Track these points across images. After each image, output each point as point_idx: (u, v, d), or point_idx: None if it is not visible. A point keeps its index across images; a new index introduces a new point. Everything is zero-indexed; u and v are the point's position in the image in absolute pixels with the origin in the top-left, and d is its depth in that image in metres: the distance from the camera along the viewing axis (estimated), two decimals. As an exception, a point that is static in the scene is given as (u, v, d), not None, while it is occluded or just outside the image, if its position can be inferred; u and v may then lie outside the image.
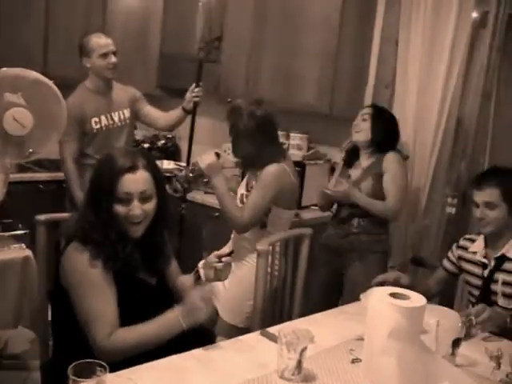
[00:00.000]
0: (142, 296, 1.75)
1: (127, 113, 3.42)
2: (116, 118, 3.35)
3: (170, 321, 1.66)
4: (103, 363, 1.29)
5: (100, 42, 3.24)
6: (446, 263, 2.47)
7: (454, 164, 3.29)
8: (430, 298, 2.38)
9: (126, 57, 4.22)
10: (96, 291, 1.65)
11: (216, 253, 1.92)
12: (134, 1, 4.30)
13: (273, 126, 2.58)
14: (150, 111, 3.56)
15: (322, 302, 2.83)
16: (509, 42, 3.09)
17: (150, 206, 1.75)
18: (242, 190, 2.64)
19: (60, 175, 3.49)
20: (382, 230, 2.91)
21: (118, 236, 1.71)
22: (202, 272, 1.90)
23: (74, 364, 1.26)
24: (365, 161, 2.92)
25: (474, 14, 3.12)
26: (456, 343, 1.75)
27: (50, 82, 2.63)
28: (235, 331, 2.41)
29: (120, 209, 1.70)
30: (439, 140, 3.15)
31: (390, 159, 2.83)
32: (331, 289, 2.98)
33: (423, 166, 3.15)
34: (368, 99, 3.47)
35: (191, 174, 2.48)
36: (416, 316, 1.53)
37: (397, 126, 2.93)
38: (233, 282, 2.55)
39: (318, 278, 2.98)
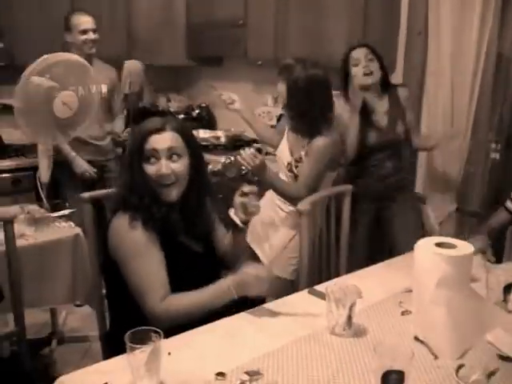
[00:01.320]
0: (188, 261, 1.77)
1: (104, 88, 3.61)
2: (93, 90, 3.42)
3: (221, 289, 1.68)
4: (158, 330, 1.33)
5: (81, 18, 3.47)
6: (509, 204, 2.35)
7: (496, 108, 3.19)
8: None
9: (154, 31, 4.24)
10: (142, 253, 1.68)
11: (238, 192, 1.83)
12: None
13: (330, 89, 2.58)
14: (115, 104, 3.77)
15: (367, 252, 2.86)
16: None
17: (180, 164, 1.75)
18: (287, 158, 2.62)
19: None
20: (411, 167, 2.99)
21: (152, 199, 1.74)
22: (235, 218, 1.85)
23: (130, 332, 1.31)
24: (380, 104, 2.86)
25: None
26: (507, 289, 1.73)
27: (83, 61, 2.70)
28: (283, 283, 2.49)
29: (149, 168, 1.73)
30: (478, 83, 3.05)
31: (405, 95, 2.89)
32: (374, 237, 2.98)
33: (463, 111, 3.07)
34: (401, 48, 3.37)
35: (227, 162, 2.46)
36: (464, 264, 1.51)
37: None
38: (276, 241, 2.58)
39: (360, 229, 2.95)
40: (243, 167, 2.35)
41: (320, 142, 2.48)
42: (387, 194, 2.91)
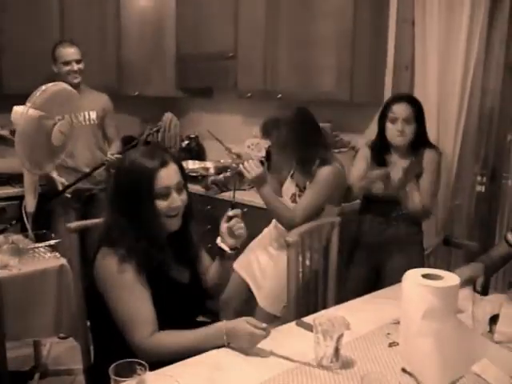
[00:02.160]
0: (175, 293, 1.76)
1: (93, 114, 3.72)
2: (81, 118, 3.66)
3: (214, 333, 1.67)
4: (143, 362, 1.31)
5: (63, 51, 3.60)
6: (510, 237, 2.28)
7: (481, 142, 3.24)
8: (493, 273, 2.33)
9: (143, 61, 4.29)
10: (131, 293, 1.67)
11: (223, 219, 1.87)
12: (146, 4, 4.34)
13: (315, 122, 2.63)
14: (109, 130, 3.80)
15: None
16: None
17: (185, 195, 1.80)
18: (292, 190, 2.65)
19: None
20: (418, 220, 2.84)
21: (153, 236, 1.74)
22: (222, 245, 1.87)
23: (114, 364, 1.29)
24: (401, 160, 2.78)
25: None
26: (493, 320, 1.73)
27: (70, 89, 2.76)
28: (272, 320, 2.45)
29: (162, 204, 1.73)
30: (464, 117, 3.10)
31: (433, 158, 2.75)
32: (368, 285, 2.91)
33: (449, 145, 3.10)
34: (388, 82, 3.43)
35: (228, 175, 2.50)
36: (450, 295, 1.51)
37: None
38: (272, 272, 2.58)
39: (355, 275, 2.92)
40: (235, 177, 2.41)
41: (325, 170, 2.53)
42: (389, 243, 2.82)
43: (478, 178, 3.31)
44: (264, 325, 1.66)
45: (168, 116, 3.77)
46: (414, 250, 2.83)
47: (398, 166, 2.76)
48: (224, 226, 1.85)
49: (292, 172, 2.75)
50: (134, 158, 1.77)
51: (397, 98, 2.80)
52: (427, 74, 3.16)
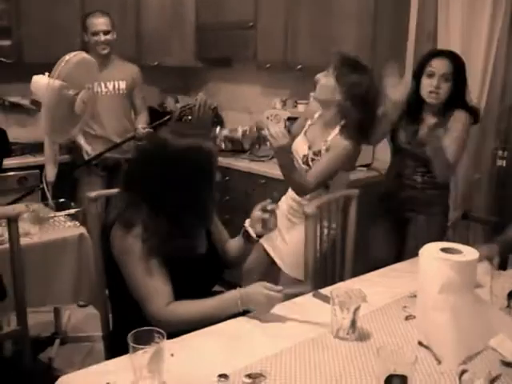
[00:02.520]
0: (194, 264, 1.77)
1: (122, 84, 3.75)
2: (110, 87, 3.71)
3: (228, 301, 1.68)
4: (161, 331, 1.33)
5: (93, 21, 3.61)
6: None
7: (503, 115, 3.18)
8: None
9: (163, 32, 4.25)
10: (146, 266, 1.67)
11: (258, 206, 1.88)
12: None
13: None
14: (137, 102, 3.86)
15: (383, 256, 2.78)
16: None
17: None
18: (303, 151, 2.60)
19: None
20: (444, 185, 2.80)
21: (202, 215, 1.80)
22: (250, 230, 1.89)
23: (133, 332, 1.31)
24: (434, 118, 2.69)
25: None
26: (511, 295, 1.72)
27: (90, 58, 2.78)
28: (295, 283, 2.49)
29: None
30: (486, 90, 3.04)
31: (460, 118, 2.65)
32: (393, 244, 2.89)
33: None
34: (410, 53, 3.37)
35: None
36: (468, 270, 1.50)
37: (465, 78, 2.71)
38: (292, 237, 2.58)
39: (379, 234, 2.93)
40: (268, 143, 2.36)
41: (346, 145, 2.47)
42: (414, 204, 2.79)
43: (499, 153, 3.26)
44: (279, 287, 1.67)
45: (202, 97, 3.75)
46: (438, 215, 2.81)
47: (427, 122, 2.69)
48: (258, 214, 1.86)
49: (306, 128, 2.69)
50: (187, 142, 1.75)
51: (438, 53, 2.71)
52: (450, 44, 3.09)
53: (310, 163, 2.55)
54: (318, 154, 2.54)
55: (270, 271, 2.75)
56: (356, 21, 3.25)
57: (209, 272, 1.81)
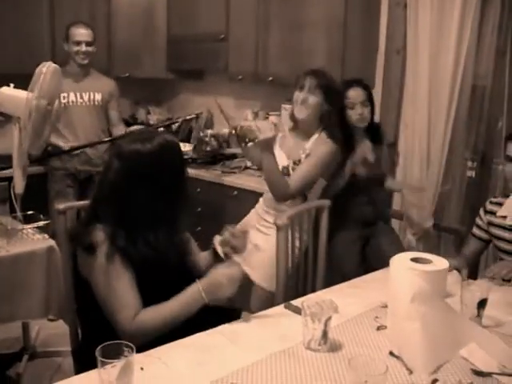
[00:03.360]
0: (165, 275, 1.75)
1: (98, 96, 3.77)
2: (86, 97, 3.73)
3: (191, 295, 1.67)
4: (130, 344, 1.31)
5: (77, 31, 3.64)
6: (476, 231, 2.42)
7: (472, 126, 3.24)
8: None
9: (134, 43, 4.24)
10: (113, 276, 1.65)
11: (229, 229, 1.92)
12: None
13: None
14: (112, 114, 3.86)
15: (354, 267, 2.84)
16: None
17: None
18: (283, 162, 2.63)
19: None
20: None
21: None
22: (218, 249, 1.92)
23: (101, 346, 1.28)
24: (365, 140, 2.89)
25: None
26: (481, 305, 1.74)
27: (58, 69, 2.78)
28: (269, 297, 2.49)
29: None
30: (455, 102, 3.09)
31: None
32: (360, 259, 2.96)
33: (440, 130, 3.10)
34: (380, 66, 3.42)
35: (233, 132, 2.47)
36: (438, 279, 1.52)
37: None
38: (264, 248, 2.57)
39: (349, 245, 2.95)
40: (251, 138, 2.39)
41: (329, 147, 2.56)
42: (373, 219, 2.96)
43: (469, 164, 3.32)
44: (236, 266, 1.72)
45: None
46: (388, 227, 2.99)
47: (363, 147, 2.86)
48: (227, 237, 1.91)
49: (279, 141, 2.72)
50: (158, 140, 1.74)
51: (348, 84, 2.87)
52: (419, 58, 3.14)
53: (291, 172, 2.57)
54: (297, 162, 2.57)
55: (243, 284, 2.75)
56: (326, 34, 3.29)
57: (181, 284, 1.79)
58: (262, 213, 2.71)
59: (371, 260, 2.91)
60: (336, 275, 2.70)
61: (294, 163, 2.60)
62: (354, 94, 2.81)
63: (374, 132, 2.92)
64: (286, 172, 2.60)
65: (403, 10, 3.23)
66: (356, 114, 2.81)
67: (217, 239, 1.93)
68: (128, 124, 4.27)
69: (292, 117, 2.71)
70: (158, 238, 1.75)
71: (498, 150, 3.16)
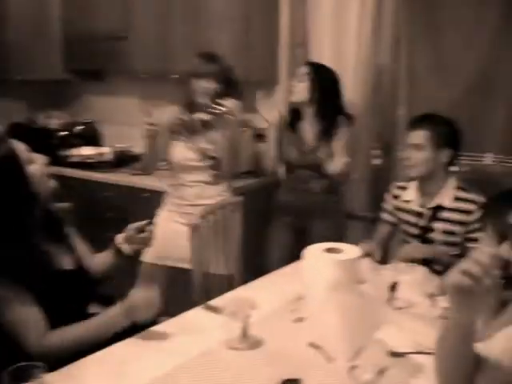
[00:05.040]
0: (63, 283, 1.66)
1: None
2: None
3: (110, 318, 1.62)
4: (40, 364, 1.23)
5: None
6: (385, 216, 2.49)
7: (375, 116, 3.34)
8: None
9: (26, 43, 3.99)
10: (11, 300, 1.54)
11: (134, 225, 1.87)
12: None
13: None
14: None
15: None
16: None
17: None
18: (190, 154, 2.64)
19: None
20: (339, 189, 2.96)
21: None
22: (123, 247, 1.86)
23: (8, 370, 1.20)
24: (313, 124, 2.86)
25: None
26: (393, 288, 1.80)
27: None
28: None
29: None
30: (359, 92, 3.18)
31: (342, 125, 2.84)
32: (295, 249, 2.96)
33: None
34: (283, 60, 3.45)
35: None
36: (351, 267, 1.55)
37: (336, 82, 2.87)
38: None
39: (281, 240, 2.96)
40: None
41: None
42: (309, 210, 2.90)
43: (375, 152, 3.42)
44: (156, 292, 1.65)
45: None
46: (337, 218, 2.95)
47: (308, 131, 2.85)
48: (133, 232, 1.85)
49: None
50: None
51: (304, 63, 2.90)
52: (321, 50, 3.20)
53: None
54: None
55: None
56: (228, 27, 3.26)
57: (80, 288, 1.72)
58: (182, 208, 2.65)
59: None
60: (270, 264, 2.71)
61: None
62: (299, 70, 2.86)
63: (329, 118, 2.85)
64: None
65: (304, 2, 3.28)
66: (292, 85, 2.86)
67: (119, 238, 1.87)
68: (25, 128, 4.03)
69: (189, 105, 2.71)
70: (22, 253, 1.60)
71: (400, 137, 3.28)
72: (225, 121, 2.42)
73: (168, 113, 2.68)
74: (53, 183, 1.74)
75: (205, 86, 2.59)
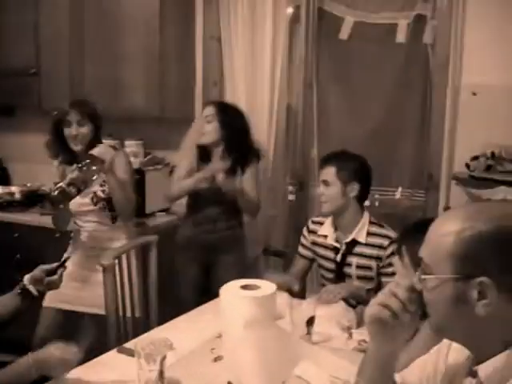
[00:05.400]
0: None
1: None
2: None
3: (19, 370, 1.52)
4: None
5: None
6: (302, 250, 2.52)
7: (289, 154, 3.43)
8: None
9: None
10: None
11: (43, 267, 1.83)
12: None
13: None
14: None
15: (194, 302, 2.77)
16: (322, 35, 3.28)
17: None
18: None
19: None
20: (241, 223, 2.98)
21: None
22: (31, 288, 1.78)
23: None
24: (220, 162, 2.85)
25: (289, 10, 3.26)
26: (310, 322, 1.81)
27: None
28: None
29: None
30: (273, 133, 3.25)
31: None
32: (202, 287, 2.92)
33: (263, 159, 3.21)
34: (198, 98, 3.48)
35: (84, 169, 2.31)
36: (268, 303, 1.55)
37: (243, 119, 2.91)
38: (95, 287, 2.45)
39: (186, 279, 2.92)
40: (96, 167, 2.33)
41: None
42: (219, 245, 2.89)
43: (290, 188, 3.49)
44: (75, 349, 1.57)
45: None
46: (240, 251, 2.96)
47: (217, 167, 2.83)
48: (41, 275, 1.80)
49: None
50: None
51: (206, 103, 2.99)
52: (236, 89, 3.27)
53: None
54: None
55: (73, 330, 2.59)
56: (142, 66, 3.27)
57: None
58: (89, 251, 2.58)
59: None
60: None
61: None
62: (204, 110, 2.90)
63: (238, 155, 2.86)
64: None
65: (218, 43, 3.34)
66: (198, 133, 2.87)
67: (27, 279, 1.79)
68: None
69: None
70: None
71: (313, 174, 3.38)
72: (98, 169, 2.37)
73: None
74: None
75: (76, 133, 2.59)
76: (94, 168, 2.33)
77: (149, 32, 3.23)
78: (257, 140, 3.03)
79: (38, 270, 1.81)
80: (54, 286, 1.83)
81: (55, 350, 1.55)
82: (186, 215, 3.00)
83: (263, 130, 3.22)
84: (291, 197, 3.52)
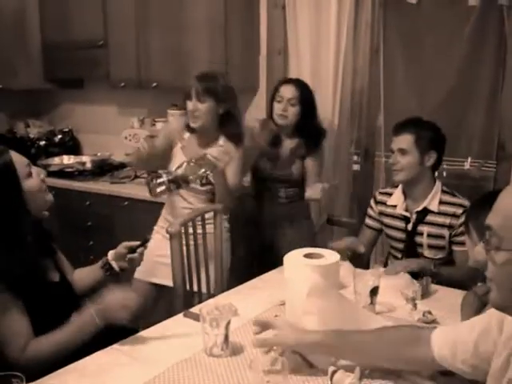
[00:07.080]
0: (49, 295, 1.67)
1: None
2: None
3: (84, 320, 1.61)
4: (18, 374, 1.21)
5: None
6: (369, 221, 2.51)
7: (354, 122, 3.37)
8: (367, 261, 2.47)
9: (5, 52, 3.97)
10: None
11: (125, 244, 1.87)
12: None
13: None
14: None
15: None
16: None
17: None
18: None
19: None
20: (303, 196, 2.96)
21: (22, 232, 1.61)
22: (114, 264, 1.86)
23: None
24: (288, 140, 2.90)
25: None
26: (373, 292, 1.80)
27: None
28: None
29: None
30: (338, 100, 3.20)
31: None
32: (263, 262, 2.93)
33: (326, 127, 3.19)
34: (262, 67, 3.47)
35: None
36: (331, 272, 1.56)
37: (314, 101, 2.90)
38: None
39: (246, 253, 2.97)
40: (205, 170, 2.32)
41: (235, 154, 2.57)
42: (281, 219, 2.92)
43: (354, 158, 3.45)
44: (132, 293, 1.65)
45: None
46: (305, 225, 2.98)
47: (285, 145, 2.89)
48: (123, 251, 1.85)
49: (181, 152, 2.65)
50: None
51: (284, 81, 2.93)
52: (300, 58, 3.23)
53: (212, 179, 2.52)
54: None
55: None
56: (207, 36, 3.27)
57: (66, 300, 1.71)
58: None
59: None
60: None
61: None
62: (284, 89, 2.83)
63: (307, 135, 2.87)
64: (204, 182, 2.54)
65: (282, 11, 3.30)
66: (279, 110, 2.81)
67: (110, 255, 1.87)
68: (5, 139, 4.02)
69: (188, 127, 2.64)
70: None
71: (379, 143, 3.32)
72: (206, 172, 2.37)
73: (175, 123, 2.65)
74: (50, 197, 1.76)
75: (192, 109, 2.55)
76: (203, 170, 2.31)
77: (213, 1, 3.23)
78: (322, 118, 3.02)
79: (121, 247, 1.86)
80: (135, 263, 1.88)
81: (113, 297, 1.62)
82: (251, 188, 3.04)
83: (328, 97, 3.17)
84: (356, 166, 3.47)
